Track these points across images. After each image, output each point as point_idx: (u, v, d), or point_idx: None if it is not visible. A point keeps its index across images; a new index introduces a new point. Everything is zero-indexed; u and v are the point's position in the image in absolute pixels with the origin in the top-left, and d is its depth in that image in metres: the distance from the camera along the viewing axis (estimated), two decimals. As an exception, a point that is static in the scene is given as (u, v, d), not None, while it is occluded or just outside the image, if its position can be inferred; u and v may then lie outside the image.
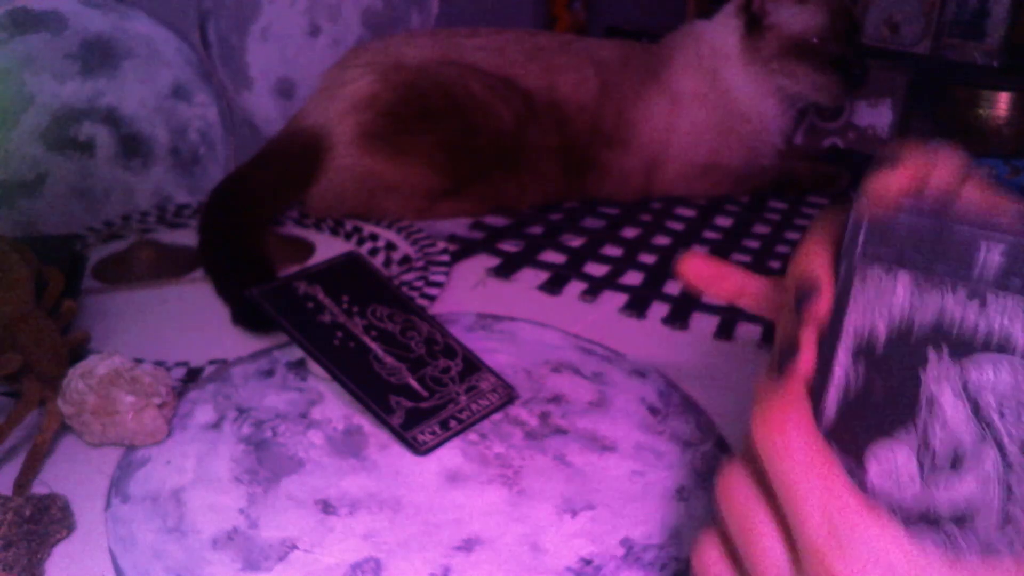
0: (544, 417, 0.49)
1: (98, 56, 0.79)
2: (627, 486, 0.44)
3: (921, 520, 0.26)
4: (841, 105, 1.06)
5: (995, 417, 0.25)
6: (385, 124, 0.79)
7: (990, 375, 0.25)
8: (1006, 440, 0.25)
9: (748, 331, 0.63)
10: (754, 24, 0.87)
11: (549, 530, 0.41)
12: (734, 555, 0.29)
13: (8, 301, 0.48)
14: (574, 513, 0.42)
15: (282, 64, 0.94)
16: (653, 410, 0.51)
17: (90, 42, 0.78)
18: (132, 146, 0.82)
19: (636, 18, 1.48)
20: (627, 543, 0.40)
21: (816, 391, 0.27)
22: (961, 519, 0.26)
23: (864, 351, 0.26)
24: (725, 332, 0.63)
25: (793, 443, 0.26)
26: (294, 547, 0.39)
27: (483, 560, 0.39)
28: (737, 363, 0.59)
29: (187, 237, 0.71)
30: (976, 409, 0.25)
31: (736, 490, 0.29)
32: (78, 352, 0.51)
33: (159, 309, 0.64)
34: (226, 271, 0.65)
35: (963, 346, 0.25)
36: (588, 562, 0.39)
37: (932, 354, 0.25)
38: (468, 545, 0.39)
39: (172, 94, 0.84)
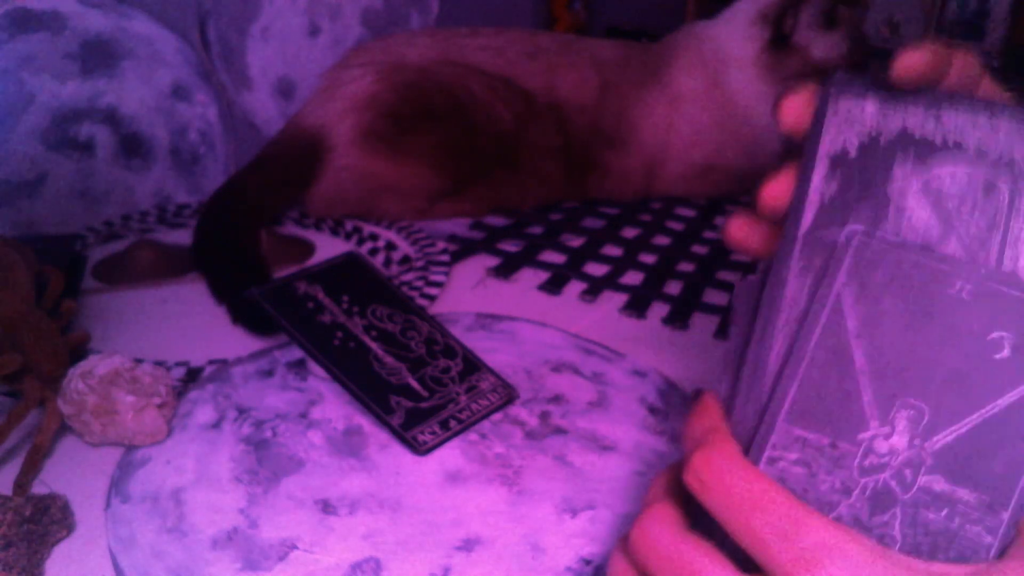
0: (544, 417, 0.49)
1: (98, 56, 0.79)
2: (627, 486, 0.44)
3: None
4: None
5: (952, 210, 0.28)
6: (385, 124, 0.79)
7: (949, 170, 0.28)
8: (962, 233, 0.28)
9: (748, 331, 0.63)
10: (780, 40, 0.87)
11: (549, 530, 0.41)
12: None
13: (8, 301, 0.48)
14: (574, 513, 0.42)
15: (282, 64, 0.94)
16: (653, 410, 0.51)
17: (90, 42, 0.78)
18: (132, 146, 0.82)
19: (636, 18, 1.48)
20: (627, 543, 0.40)
21: (795, 210, 0.29)
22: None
23: (838, 161, 0.29)
24: (725, 332, 0.63)
25: (729, 471, 0.27)
26: (294, 547, 0.39)
27: (483, 560, 0.39)
28: (737, 363, 0.59)
29: (187, 237, 0.71)
30: (937, 203, 0.28)
31: (664, 535, 0.28)
32: (78, 352, 0.51)
33: (159, 309, 0.64)
34: (220, 272, 0.65)
35: (925, 147, 0.28)
36: (588, 562, 0.39)
37: (899, 155, 0.28)
38: (468, 545, 0.39)
39: (172, 94, 0.84)
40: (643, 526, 0.29)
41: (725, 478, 0.27)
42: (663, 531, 0.29)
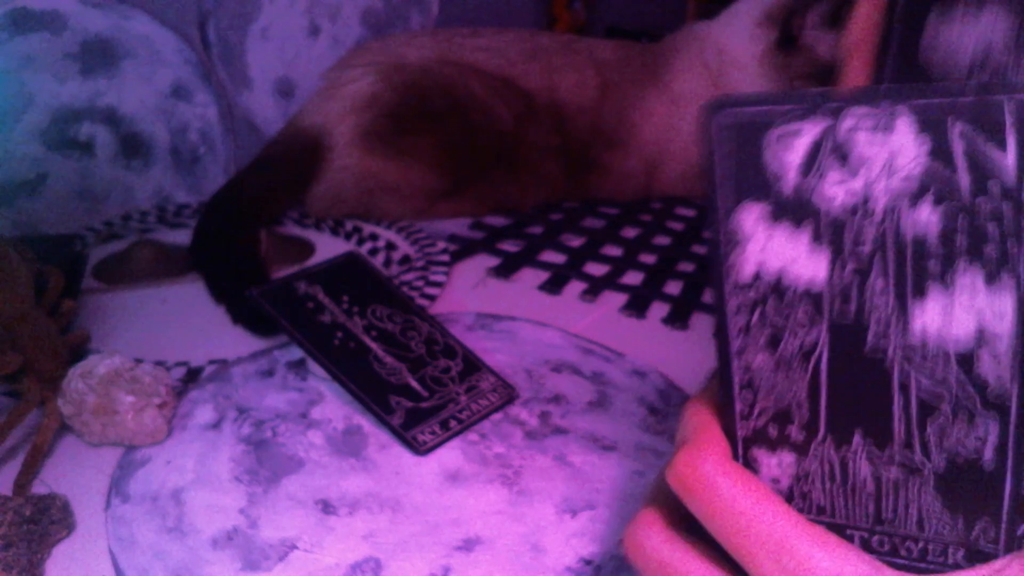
0: (544, 417, 0.49)
1: (98, 56, 0.79)
2: (627, 486, 0.44)
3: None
4: None
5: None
6: (385, 124, 0.79)
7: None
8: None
9: (748, 331, 0.63)
10: (787, 40, 0.86)
11: (549, 530, 0.41)
12: None
13: (8, 301, 0.48)
14: (574, 513, 0.42)
15: (282, 64, 0.94)
16: (653, 410, 0.51)
17: (90, 42, 0.78)
18: (132, 146, 0.82)
19: (636, 18, 1.48)
20: (627, 543, 0.40)
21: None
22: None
23: None
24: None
25: (714, 478, 0.26)
26: (294, 547, 0.39)
27: (483, 560, 0.39)
28: (737, 363, 0.59)
29: (187, 237, 0.71)
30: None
31: (653, 540, 0.28)
32: (78, 352, 0.51)
33: (159, 309, 0.64)
34: (218, 273, 0.65)
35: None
36: (588, 562, 0.39)
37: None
38: (468, 545, 0.39)
39: (172, 94, 0.84)
40: (630, 532, 0.29)
41: (708, 482, 0.26)
42: (649, 537, 0.28)
